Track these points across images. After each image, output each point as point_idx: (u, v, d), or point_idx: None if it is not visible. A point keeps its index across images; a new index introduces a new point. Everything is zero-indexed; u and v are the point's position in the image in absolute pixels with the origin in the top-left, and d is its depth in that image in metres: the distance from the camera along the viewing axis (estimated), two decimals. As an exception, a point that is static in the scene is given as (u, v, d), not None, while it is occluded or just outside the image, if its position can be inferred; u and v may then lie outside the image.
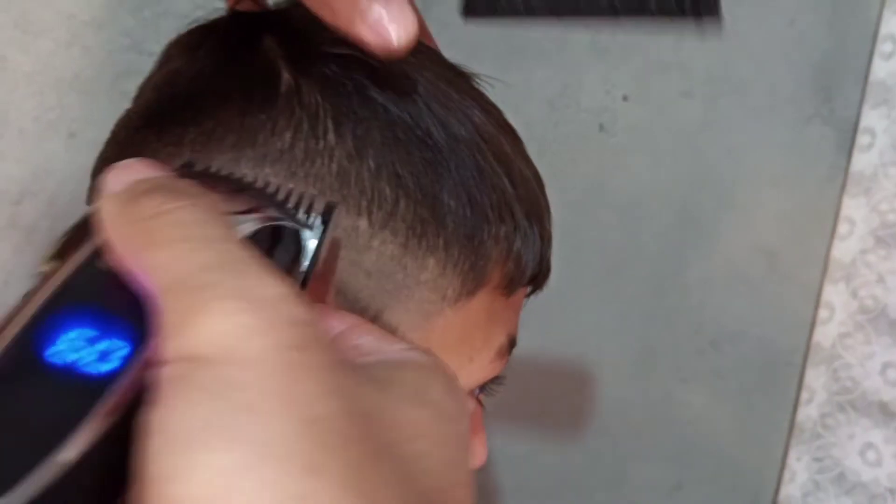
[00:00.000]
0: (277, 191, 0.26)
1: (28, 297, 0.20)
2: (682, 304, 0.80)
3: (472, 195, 0.36)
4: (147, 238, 0.20)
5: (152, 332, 0.20)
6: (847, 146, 0.78)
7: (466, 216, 0.35)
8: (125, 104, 0.74)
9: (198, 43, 0.38)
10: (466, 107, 0.37)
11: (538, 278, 0.39)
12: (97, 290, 0.20)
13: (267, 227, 0.24)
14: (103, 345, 0.19)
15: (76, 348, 0.19)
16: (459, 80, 0.39)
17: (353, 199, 0.33)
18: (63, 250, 0.22)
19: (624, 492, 0.86)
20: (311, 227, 0.25)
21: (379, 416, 0.19)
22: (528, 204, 0.38)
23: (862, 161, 0.77)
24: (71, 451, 0.18)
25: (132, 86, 0.73)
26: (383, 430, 0.19)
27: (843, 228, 0.79)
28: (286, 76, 0.35)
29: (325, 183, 0.33)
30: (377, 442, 0.19)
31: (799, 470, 0.84)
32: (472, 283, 0.35)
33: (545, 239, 0.39)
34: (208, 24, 0.39)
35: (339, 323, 0.25)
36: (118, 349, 0.19)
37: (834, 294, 0.81)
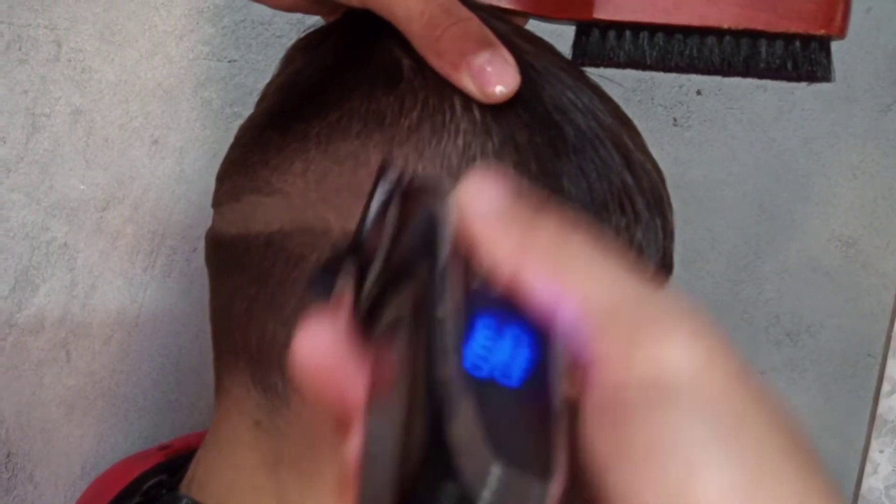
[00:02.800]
0: None
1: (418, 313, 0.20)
2: (758, 296, 0.80)
3: (592, 183, 0.35)
4: (556, 261, 0.21)
5: (552, 337, 0.20)
6: (926, 134, 0.77)
7: (585, 204, 0.35)
8: (206, 111, 0.76)
9: (317, 43, 0.39)
10: (586, 96, 0.37)
11: (661, 274, 0.39)
12: (474, 296, 0.21)
13: None
14: (504, 349, 0.20)
15: (483, 356, 0.19)
16: (577, 72, 0.39)
17: None
18: (397, 268, 0.22)
19: (701, 485, 0.85)
20: None
21: (792, 429, 0.21)
22: (649, 196, 0.37)
23: (943, 148, 0.76)
24: (560, 451, 0.18)
25: (213, 93, 0.75)
26: (802, 443, 0.20)
27: (923, 217, 0.78)
28: (407, 61, 0.35)
29: (451, 161, 0.34)
30: (807, 457, 0.20)
31: (882, 462, 0.83)
32: None
33: (667, 232, 0.38)
34: (325, 26, 0.40)
35: None
36: (519, 353, 0.20)
37: (915, 284, 0.80)
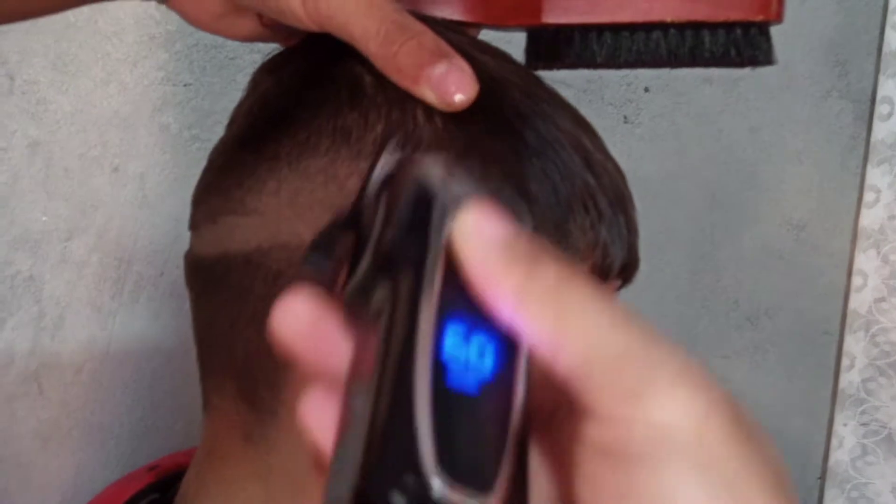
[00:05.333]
0: None
1: (391, 312, 0.21)
2: (717, 284, 0.82)
3: (555, 184, 0.36)
4: (558, 305, 0.21)
5: (518, 344, 0.21)
6: (865, 117, 0.80)
7: (551, 206, 0.36)
8: (165, 136, 0.77)
9: (282, 65, 0.40)
10: (544, 102, 0.38)
11: (628, 269, 0.40)
12: (462, 304, 0.21)
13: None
14: (475, 348, 0.21)
15: (458, 353, 0.20)
16: (535, 79, 0.40)
17: None
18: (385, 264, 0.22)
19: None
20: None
21: (778, 466, 0.22)
22: (612, 195, 0.38)
23: (882, 130, 0.79)
24: (507, 462, 0.20)
25: (170, 118, 0.76)
26: (785, 478, 0.22)
27: (868, 197, 0.81)
28: (368, 77, 0.36)
29: None
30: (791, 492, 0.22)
31: (846, 435, 0.86)
32: None
33: (631, 229, 0.39)
34: (290, 48, 0.41)
35: None
36: (488, 353, 0.21)
37: (865, 261, 0.83)
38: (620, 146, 0.81)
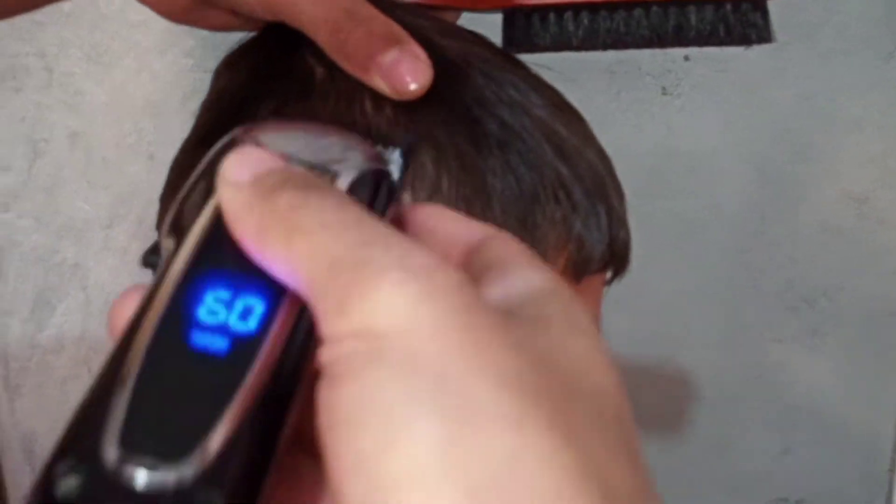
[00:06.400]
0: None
1: (161, 271, 0.21)
2: (768, 263, 0.77)
3: (520, 176, 0.34)
4: (287, 229, 0.19)
5: (287, 294, 0.20)
6: (933, 79, 0.73)
7: (514, 198, 0.34)
8: (195, 123, 0.77)
9: (240, 58, 0.40)
10: (513, 88, 0.36)
11: (613, 261, 0.37)
12: (221, 257, 0.21)
13: (366, 172, 0.23)
14: (240, 305, 0.20)
15: (216, 313, 0.20)
16: (508, 63, 0.38)
17: None
18: (176, 226, 0.22)
19: (730, 459, 0.84)
20: (393, 163, 0.24)
21: (555, 357, 0.19)
22: (589, 184, 0.36)
23: (949, 93, 0.72)
24: (232, 418, 0.18)
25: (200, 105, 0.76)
26: (562, 372, 0.19)
27: (937, 166, 0.75)
28: (320, 69, 0.35)
29: None
30: (562, 384, 0.18)
31: (915, 424, 0.80)
32: None
33: (613, 220, 0.37)
34: (247, 41, 0.40)
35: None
36: (254, 308, 0.20)
37: (934, 236, 0.76)
38: (659, 118, 0.77)
